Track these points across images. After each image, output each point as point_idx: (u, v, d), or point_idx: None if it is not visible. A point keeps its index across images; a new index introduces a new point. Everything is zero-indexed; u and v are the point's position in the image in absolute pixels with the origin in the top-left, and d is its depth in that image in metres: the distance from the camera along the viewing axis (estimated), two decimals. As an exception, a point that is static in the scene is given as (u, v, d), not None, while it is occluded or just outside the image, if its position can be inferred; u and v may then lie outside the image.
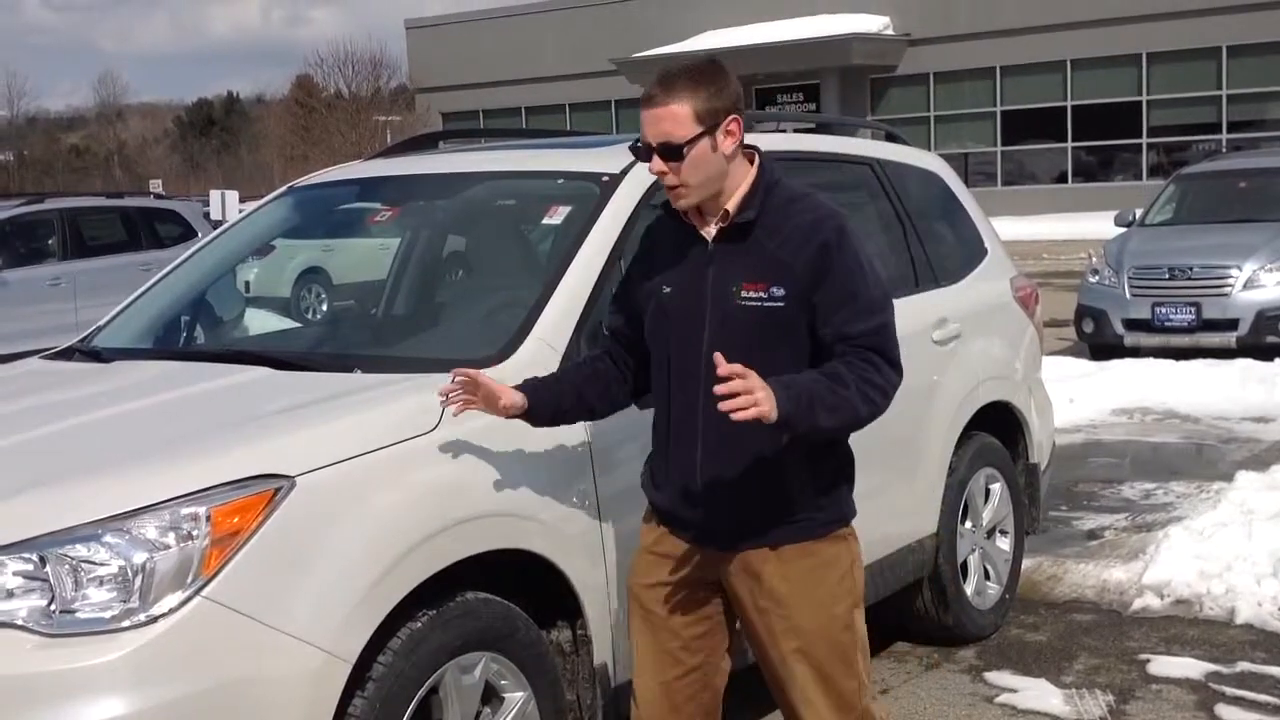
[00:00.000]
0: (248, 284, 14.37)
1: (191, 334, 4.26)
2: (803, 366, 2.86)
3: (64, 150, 73.57)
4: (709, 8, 34.49)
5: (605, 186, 3.88)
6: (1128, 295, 11.75)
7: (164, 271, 4.43)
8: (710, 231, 2.95)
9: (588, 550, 3.42)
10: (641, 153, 2.94)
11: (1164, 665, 4.82)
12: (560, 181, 4.08)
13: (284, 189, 4.63)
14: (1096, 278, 12.10)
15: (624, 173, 3.92)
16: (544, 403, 3.14)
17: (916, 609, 5.00)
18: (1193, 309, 11.46)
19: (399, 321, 4.21)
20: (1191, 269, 11.58)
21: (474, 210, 4.35)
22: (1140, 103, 30.42)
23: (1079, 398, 10.05)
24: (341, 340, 4.16)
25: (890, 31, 32.78)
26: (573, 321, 3.55)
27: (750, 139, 4.61)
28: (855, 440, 4.26)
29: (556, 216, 3.90)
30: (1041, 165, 32.43)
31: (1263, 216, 12.16)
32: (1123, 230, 13.00)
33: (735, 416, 2.64)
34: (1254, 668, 4.76)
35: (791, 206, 2.92)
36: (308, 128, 47.66)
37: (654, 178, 3.84)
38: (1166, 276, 11.65)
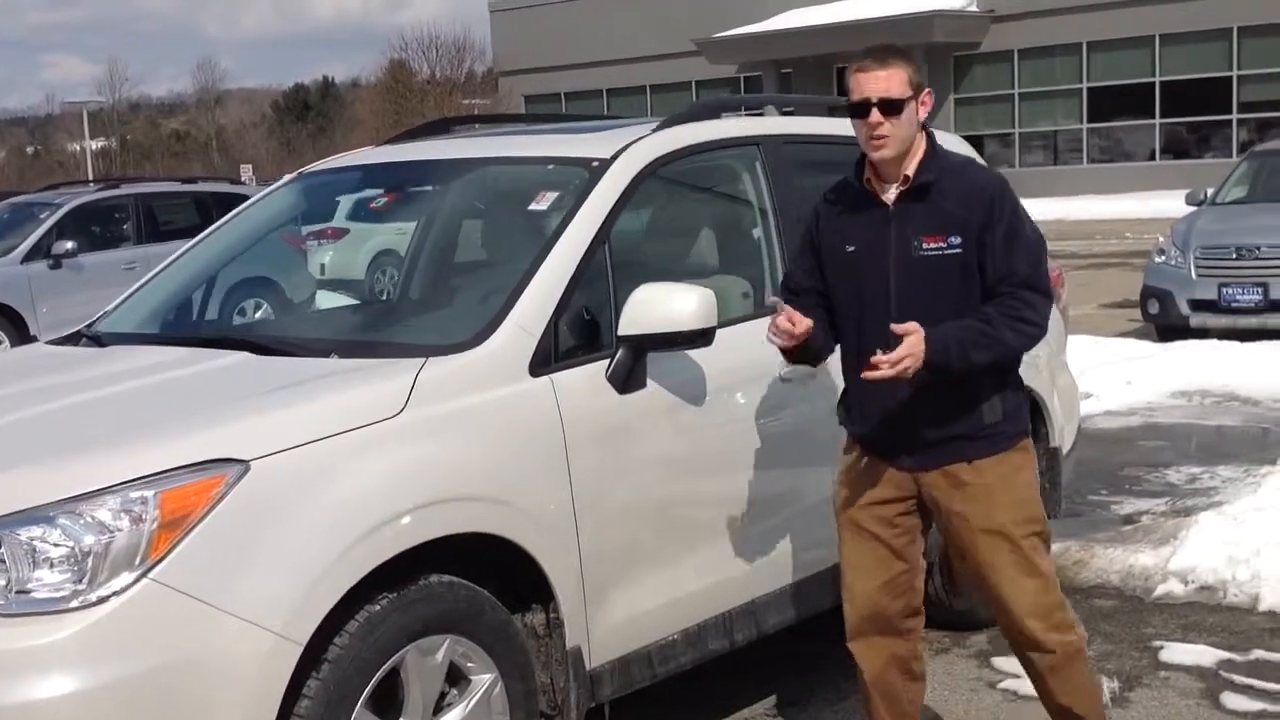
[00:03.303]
0: (323, 266, 14.56)
1: (193, 319, 4.35)
2: (976, 301, 3.40)
3: (164, 136, 74.94)
4: (790, -14, 34.21)
5: (594, 171, 3.91)
6: (1194, 276, 11.51)
7: (173, 257, 4.52)
8: (890, 195, 3.45)
9: (560, 534, 3.45)
10: (855, 109, 3.42)
11: (1176, 652, 4.76)
12: (551, 167, 4.12)
13: (293, 175, 4.71)
14: (1163, 258, 11.87)
15: (614, 157, 3.95)
16: (817, 334, 3.55)
17: (928, 594, 4.95)
18: (1260, 289, 11.19)
19: (386, 307, 4.26)
20: (1259, 248, 11.30)
21: (467, 196, 4.40)
22: (1231, 78, 29.67)
23: (1138, 380, 9.89)
24: (332, 325, 4.21)
25: (974, 8, 32.30)
26: (551, 307, 3.58)
27: (749, 121, 4.67)
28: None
29: (543, 202, 3.93)
30: (1129, 142, 31.79)
31: (1338, 194, 11.83)
32: (1192, 209, 12.73)
33: (874, 376, 3.25)
34: (1268, 655, 4.68)
35: (961, 170, 3.49)
36: (399, 112, 48.09)
37: (646, 161, 3.95)
38: (1233, 256, 11.39)
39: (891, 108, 3.38)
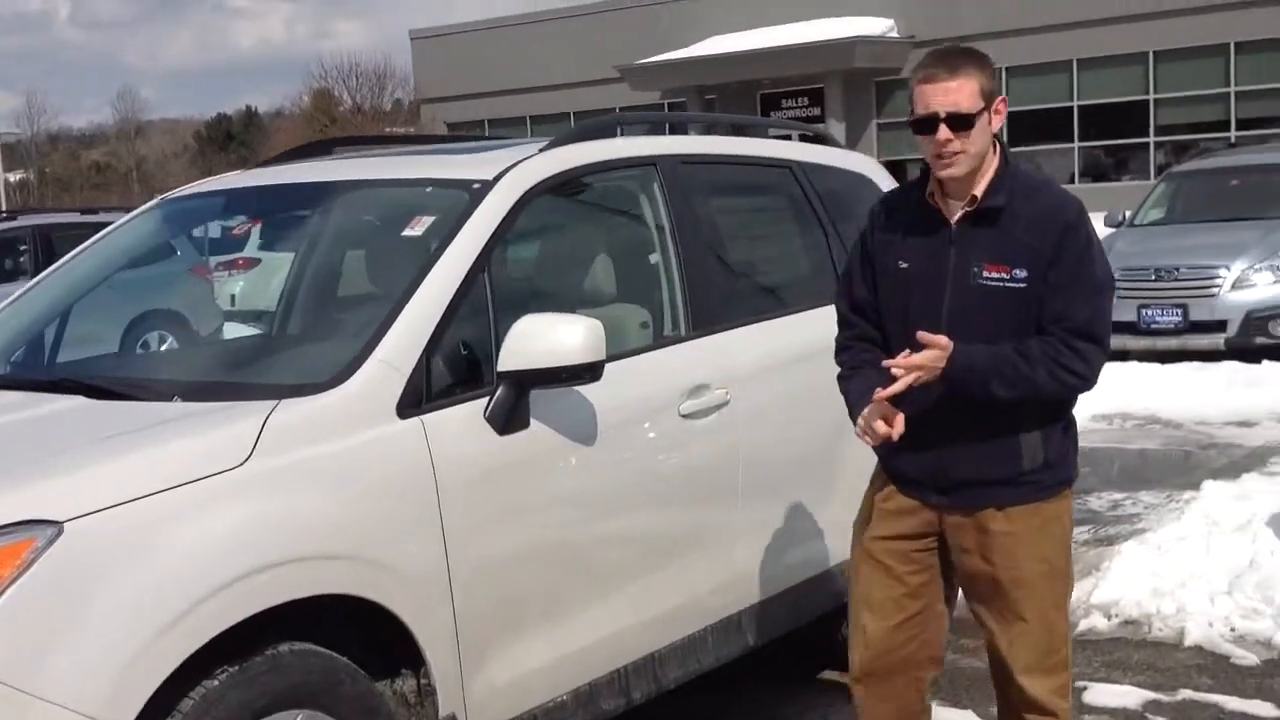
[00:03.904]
0: (233, 297, 14.13)
1: (39, 358, 3.98)
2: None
3: (85, 167, 73.61)
4: (712, 13, 34.16)
5: (475, 194, 3.62)
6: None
7: (20, 292, 4.16)
8: (955, 214, 3.13)
9: (430, 591, 3.15)
10: (920, 125, 3.08)
11: (1101, 694, 4.53)
12: (429, 190, 3.83)
13: (155, 201, 4.37)
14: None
15: (497, 178, 3.67)
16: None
17: (842, 636, 4.71)
18: (1180, 311, 11.13)
19: (248, 344, 3.92)
20: (1178, 269, 11.25)
21: (340, 221, 4.09)
22: (1148, 101, 29.96)
23: (1061, 404, 9.73)
24: (184, 365, 3.86)
25: (894, 34, 32.40)
26: (422, 341, 3.28)
27: (645, 140, 4.41)
28: (749, 449, 4.05)
29: (418, 227, 3.64)
30: (1049, 166, 31.90)
31: (1255, 214, 11.80)
32: (1111, 231, 12.66)
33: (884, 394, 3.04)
34: (1196, 695, 4.47)
35: (1036, 194, 3.12)
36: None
37: (532, 182, 3.68)
38: (1152, 278, 11.32)
39: (961, 123, 3.04)
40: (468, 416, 3.31)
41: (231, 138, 74.02)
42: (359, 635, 3.11)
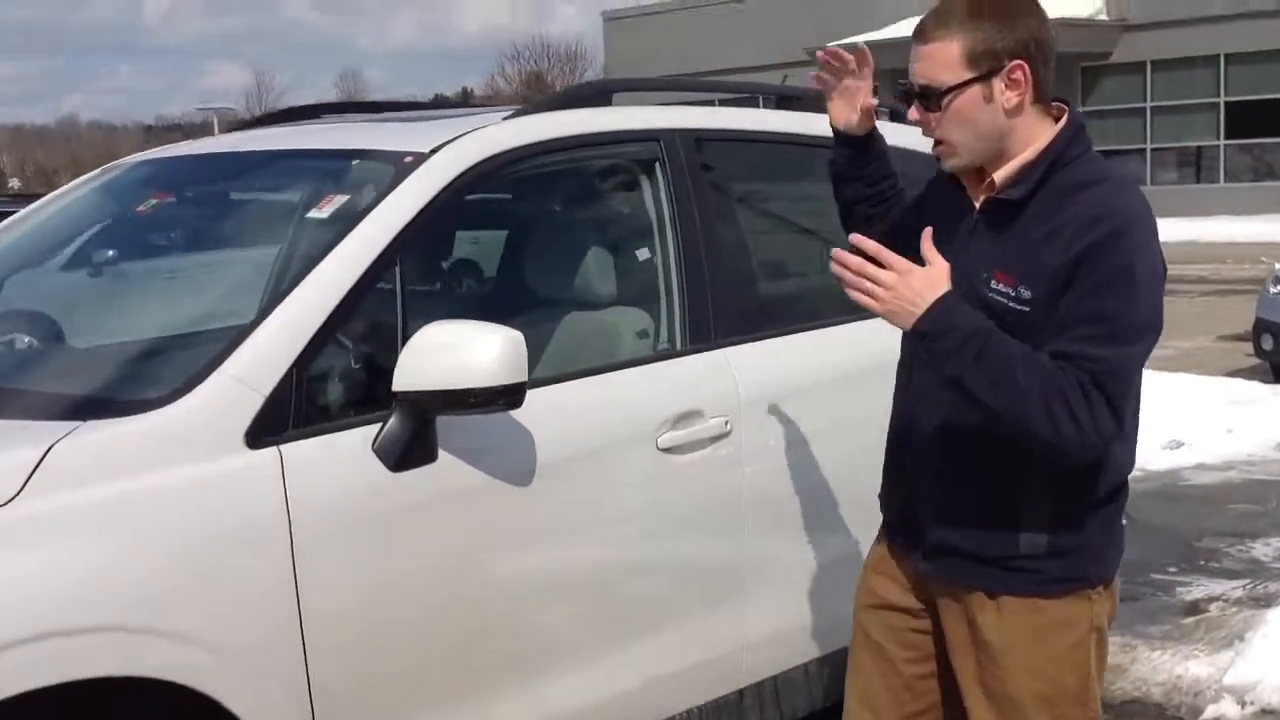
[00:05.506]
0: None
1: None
2: None
3: (309, 144, 75.84)
4: (909, -7, 32.94)
5: (402, 169, 2.95)
6: (1313, 309, 10.12)
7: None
8: (978, 200, 2.43)
9: (274, 674, 2.48)
10: (905, 98, 2.41)
11: (1210, 816, 3.61)
12: (355, 163, 3.17)
13: (98, 171, 3.81)
14: (1278, 287, 10.48)
15: (435, 151, 2.99)
16: (877, 145, 2.80)
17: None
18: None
19: (119, 348, 3.25)
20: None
21: (261, 199, 3.46)
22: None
23: (1241, 427, 8.58)
24: (24, 370, 3.21)
25: (1104, 17, 30.63)
26: (294, 351, 2.61)
27: (649, 111, 3.64)
28: (758, 492, 3.28)
29: (326, 208, 2.97)
30: (1271, 160, 29.83)
31: None
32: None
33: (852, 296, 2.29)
34: (1332, 830, 3.51)
35: (1076, 193, 2.30)
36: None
37: (478, 158, 3.04)
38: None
39: (931, 100, 2.34)
40: (348, 448, 2.63)
41: (448, 119, 75.40)
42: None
